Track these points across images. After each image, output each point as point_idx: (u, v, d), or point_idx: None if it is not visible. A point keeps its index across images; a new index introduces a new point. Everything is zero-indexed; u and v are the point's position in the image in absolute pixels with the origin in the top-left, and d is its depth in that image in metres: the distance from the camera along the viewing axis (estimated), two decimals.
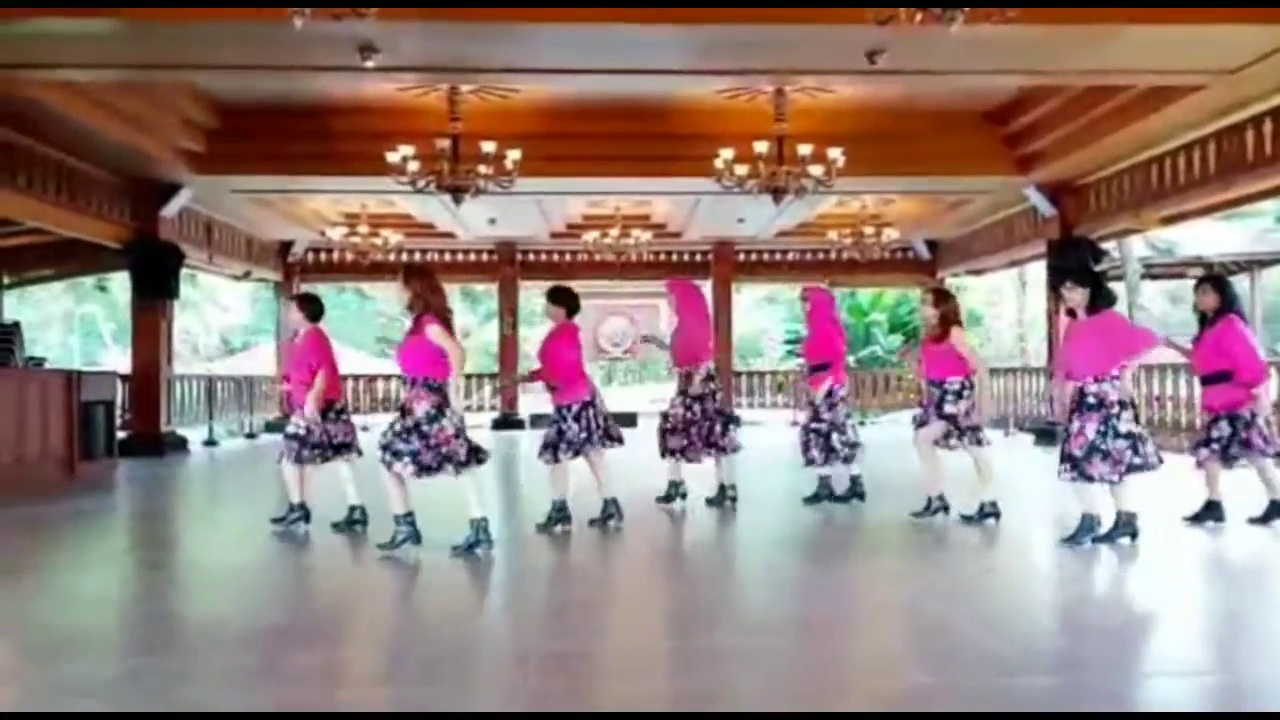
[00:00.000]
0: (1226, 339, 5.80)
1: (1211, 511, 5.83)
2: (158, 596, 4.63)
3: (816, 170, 8.64)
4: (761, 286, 23.38)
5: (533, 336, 21.78)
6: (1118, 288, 21.51)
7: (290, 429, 5.90)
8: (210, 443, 12.73)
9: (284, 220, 13.54)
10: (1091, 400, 5.12)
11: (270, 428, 14.39)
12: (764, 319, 26.01)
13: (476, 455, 5.01)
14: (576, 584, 4.91)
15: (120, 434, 9.45)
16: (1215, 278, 6.28)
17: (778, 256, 16.27)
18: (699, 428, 6.51)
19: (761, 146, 8.52)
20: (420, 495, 5.17)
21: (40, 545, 5.77)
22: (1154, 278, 21.38)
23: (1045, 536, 5.76)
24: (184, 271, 11.93)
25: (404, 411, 4.97)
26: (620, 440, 5.95)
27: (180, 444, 11.72)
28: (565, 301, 5.94)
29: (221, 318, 26.53)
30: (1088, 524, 5.17)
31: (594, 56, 7.31)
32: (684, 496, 6.71)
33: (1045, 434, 11.56)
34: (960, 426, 5.98)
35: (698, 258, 16.14)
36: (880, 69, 7.06)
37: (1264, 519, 5.78)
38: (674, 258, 16.16)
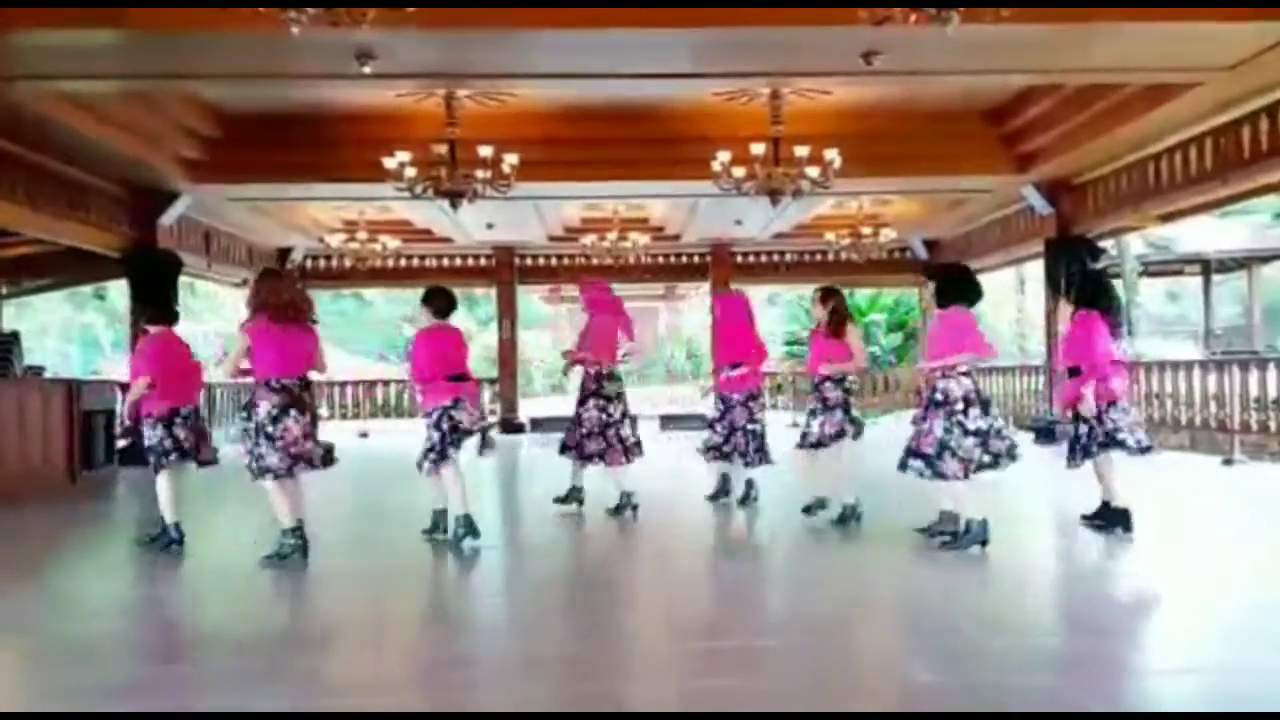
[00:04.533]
0: (1089, 335, 5.71)
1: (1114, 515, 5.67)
2: (158, 602, 4.63)
3: (813, 172, 8.65)
4: (761, 288, 23.38)
5: (529, 340, 21.77)
6: (1115, 285, 21.55)
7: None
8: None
9: (282, 227, 13.54)
10: (938, 397, 5.16)
11: None
12: (764, 321, 26.00)
13: (326, 458, 4.98)
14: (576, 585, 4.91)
15: (120, 442, 9.44)
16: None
17: (776, 258, 16.27)
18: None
19: (758, 149, 8.52)
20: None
21: (43, 552, 5.78)
22: (1151, 275, 21.40)
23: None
24: (183, 280, 11.93)
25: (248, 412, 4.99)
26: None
27: None
28: (433, 302, 5.78)
29: (221, 326, 26.52)
30: (969, 527, 5.11)
31: (591, 61, 7.31)
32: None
33: (1045, 432, 11.57)
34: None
35: (695, 260, 16.15)
36: (877, 70, 7.08)
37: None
38: (672, 260, 16.18)
